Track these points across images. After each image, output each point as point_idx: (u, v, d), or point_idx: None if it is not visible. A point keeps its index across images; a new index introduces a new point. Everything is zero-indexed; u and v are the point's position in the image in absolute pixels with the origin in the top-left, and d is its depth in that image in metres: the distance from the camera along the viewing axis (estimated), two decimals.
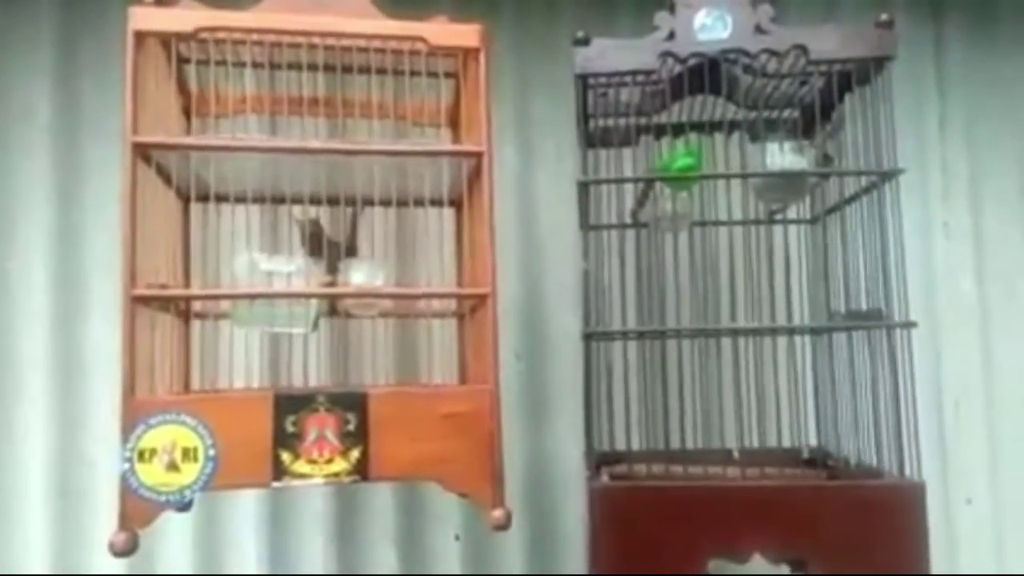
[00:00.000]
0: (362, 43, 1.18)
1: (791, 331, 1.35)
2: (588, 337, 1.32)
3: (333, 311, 1.36)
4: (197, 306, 1.36)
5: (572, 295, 1.82)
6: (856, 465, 1.27)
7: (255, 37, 1.15)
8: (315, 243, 1.27)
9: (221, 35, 1.13)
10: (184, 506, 1.10)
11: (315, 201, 1.21)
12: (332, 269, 1.27)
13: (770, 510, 1.16)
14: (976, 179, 1.94)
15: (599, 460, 1.32)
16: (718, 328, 1.31)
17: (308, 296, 1.22)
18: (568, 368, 1.80)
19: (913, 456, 1.17)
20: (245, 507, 1.72)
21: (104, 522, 1.67)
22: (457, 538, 1.79)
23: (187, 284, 1.32)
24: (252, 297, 1.19)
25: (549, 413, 1.83)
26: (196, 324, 1.38)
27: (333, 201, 1.24)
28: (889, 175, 1.22)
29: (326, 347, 1.47)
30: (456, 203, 1.41)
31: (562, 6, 1.91)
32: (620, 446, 1.38)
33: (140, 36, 1.09)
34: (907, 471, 1.17)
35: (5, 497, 1.69)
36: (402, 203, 1.26)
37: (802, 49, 1.22)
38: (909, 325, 1.19)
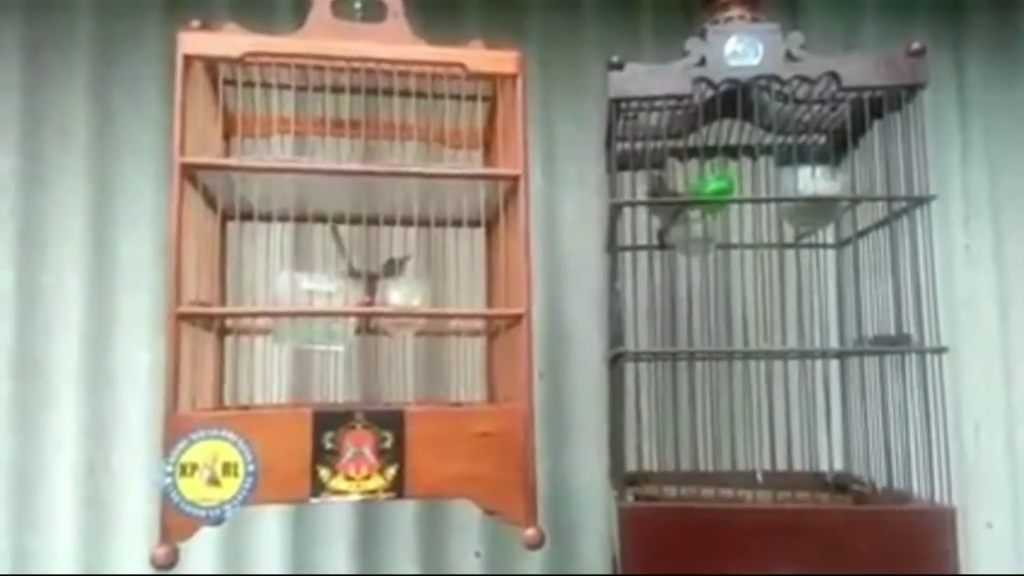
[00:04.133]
0: (402, 68, 1.20)
1: (824, 355, 1.36)
2: (617, 358, 1.33)
3: (369, 328, 1.38)
4: (236, 322, 1.38)
5: (594, 314, 1.84)
6: (883, 490, 1.28)
7: (298, 61, 1.18)
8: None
9: (266, 59, 1.15)
10: (217, 520, 1.12)
11: (355, 221, 1.23)
12: (371, 289, 1.29)
13: (801, 534, 1.16)
14: (997, 204, 1.95)
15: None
16: (746, 350, 1.33)
17: (348, 315, 1.24)
18: (590, 387, 1.81)
19: (943, 481, 1.17)
20: (268, 516, 1.73)
21: (130, 532, 1.72)
22: (478, 555, 1.80)
23: (223, 300, 1.35)
24: (292, 315, 1.21)
25: (571, 431, 1.84)
26: (229, 339, 1.40)
27: (372, 220, 1.27)
28: (921, 201, 1.23)
29: (355, 362, 1.49)
30: (487, 224, 1.44)
31: (587, 30, 1.94)
32: (643, 466, 1.39)
33: (189, 60, 1.12)
34: (937, 496, 1.18)
35: (34, 505, 1.71)
36: (439, 223, 1.28)
37: (834, 76, 1.24)
38: (940, 351, 1.20)
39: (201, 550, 1.67)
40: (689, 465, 1.32)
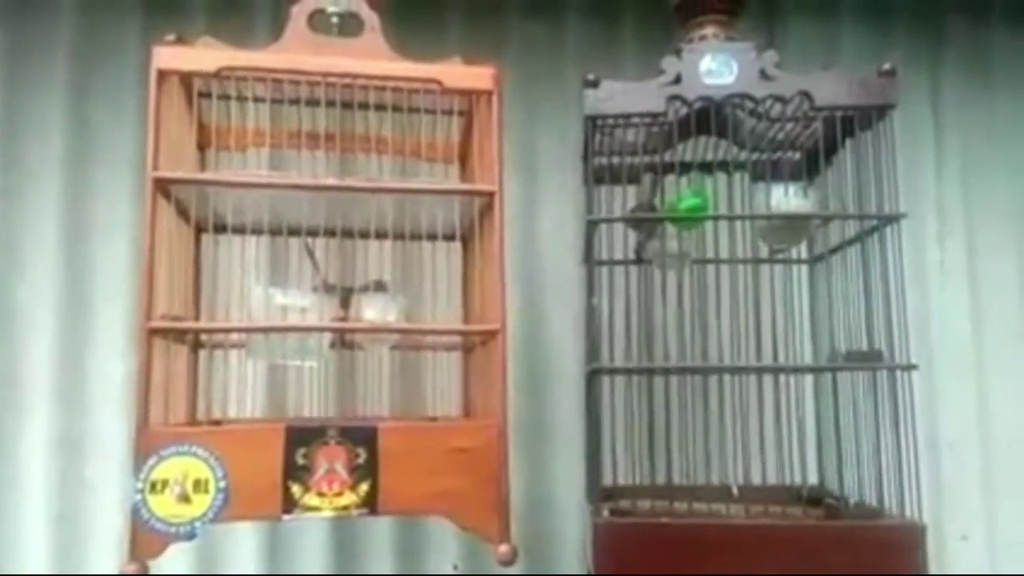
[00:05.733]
0: (378, 83, 1.20)
1: (797, 370, 1.36)
2: (594, 373, 1.33)
3: (344, 343, 1.38)
4: (210, 336, 1.37)
5: (570, 328, 1.84)
6: (856, 504, 1.29)
7: (273, 76, 1.17)
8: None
9: (241, 74, 1.15)
10: (187, 536, 1.11)
11: (329, 233, 1.23)
12: (345, 303, 1.29)
13: (773, 548, 1.16)
14: (971, 221, 1.97)
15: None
16: (721, 366, 1.33)
17: (322, 331, 1.24)
18: (569, 398, 1.82)
19: (914, 497, 1.18)
20: (242, 530, 1.72)
21: (103, 545, 1.70)
22: (455, 568, 1.79)
23: (197, 313, 1.34)
24: (266, 331, 1.20)
25: (549, 443, 1.84)
26: (203, 352, 1.39)
27: (347, 234, 1.27)
28: (891, 219, 1.25)
29: (330, 377, 1.48)
30: (463, 237, 1.44)
31: (567, 45, 1.95)
32: (618, 481, 1.39)
33: (163, 74, 1.11)
34: (908, 511, 1.18)
35: (6, 518, 1.69)
36: (415, 237, 1.28)
37: (807, 95, 1.25)
38: (910, 367, 1.21)
39: (173, 565, 1.66)
40: (664, 479, 1.32)
